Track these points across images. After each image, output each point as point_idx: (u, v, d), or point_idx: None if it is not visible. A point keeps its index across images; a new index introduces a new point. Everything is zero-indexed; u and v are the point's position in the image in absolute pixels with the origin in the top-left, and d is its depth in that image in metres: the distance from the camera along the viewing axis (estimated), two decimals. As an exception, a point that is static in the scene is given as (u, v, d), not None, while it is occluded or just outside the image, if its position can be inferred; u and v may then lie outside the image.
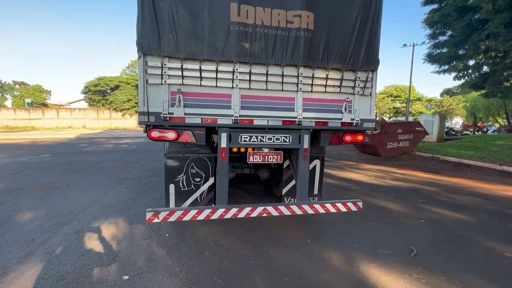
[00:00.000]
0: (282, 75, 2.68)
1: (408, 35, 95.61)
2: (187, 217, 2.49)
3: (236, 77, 2.59)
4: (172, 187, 3.17)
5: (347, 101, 2.89)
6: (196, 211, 2.52)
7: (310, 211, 2.75)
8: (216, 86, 2.58)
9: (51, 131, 23.08)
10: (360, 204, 2.87)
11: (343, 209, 2.83)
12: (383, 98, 42.77)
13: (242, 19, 2.49)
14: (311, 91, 2.79)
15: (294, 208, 2.72)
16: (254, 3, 2.50)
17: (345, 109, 2.89)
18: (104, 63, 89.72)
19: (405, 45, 26.88)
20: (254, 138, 2.77)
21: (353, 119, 2.93)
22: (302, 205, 2.74)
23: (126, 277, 2.35)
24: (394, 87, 44.32)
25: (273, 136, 2.81)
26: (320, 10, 2.66)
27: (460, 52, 12.28)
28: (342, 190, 5.22)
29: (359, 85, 2.88)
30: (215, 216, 2.55)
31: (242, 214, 2.60)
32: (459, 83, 15.77)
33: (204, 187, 3.27)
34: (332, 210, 2.80)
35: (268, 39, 2.57)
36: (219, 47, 2.50)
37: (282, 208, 2.69)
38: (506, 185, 5.72)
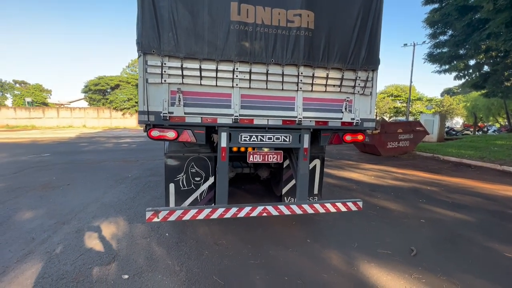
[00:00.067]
0: (282, 75, 2.67)
1: (408, 35, 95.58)
2: (187, 217, 2.49)
3: (236, 76, 2.59)
4: (172, 186, 3.17)
5: (348, 100, 2.89)
6: (196, 210, 2.52)
7: (310, 210, 2.75)
8: (216, 86, 2.58)
9: (52, 130, 23.09)
10: (360, 203, 2.87)
11: (343, 208, 2.82)
12: (384, 98, 42.75)
13: (242, 18, 2.48)
14: (311, 90, 2.78)
15: (294, 207, 2.72)
16: (254, 2, 2.49)
17: (346, 108, 2.89)
18: (104, 63, 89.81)
19: (405, 44, 26.82)
20: (254, 138, 2.76)
21: (354, 119, 2.92)
22: (302, 205, 2.74)
23: (126, 276, 2.35)
24: (395, 86, 44.28)
25: (273, 136, 2.80)
26: (321, 9, 2.65)
27: (461, 51, 12.27)
28: (342, 189, 5.22)
29: (359, 84, 2.88)
30: (215, 215, 2.55)
31: (242, 214, 2.60)
32: (459, 83, 15.78)
33: (204, 187, 3.27)
34: (332, 209, 2.80)
35: (268, 38, 2.57)
36: (219, 46, 2.49)
37: (282, 207, 2.69)
38: (507, 185, 5.71)
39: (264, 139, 2.79)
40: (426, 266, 2.59)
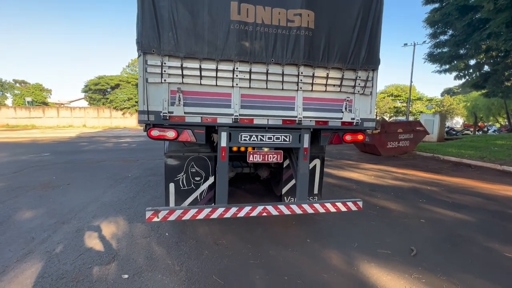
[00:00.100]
0: (283, 74, 2.67)
1: (408, 35, 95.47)
2: (186, 216, 2.48)
3: (236, 76, 2.58)
4: (172, 186, 3.17)
5: (348, 100, 2.88)
6: (195, 210, 2.52)
7: (310, 210, 2.75)
8: (216, 85, 2.58)
9: (52, 130, 23.09)
10: (360, 203, 2.87)
11: (343, 208, 2.82)
12: (384, 98, 42.73)
13: (242, 18, 2.48)
14: (312, 90, 2.78)
15: (294, 207, 2.72)
16: (254, 1, 2.49)
17: (346, 108, 2.88)
18: (104, 62, 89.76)
19: (406, 44, 26.79)
20: (254, 137, 2.76)
21: (354, 119, 2.92)
22: (302, 205, 2.74)
23: (126, 276, 2.35)
24: (395, 86, 44.27)
25: (273, 135, 2.80)
26: (321, 8, 2.65)
27: (461, 51, 12.27)
28: (342, 189, 5.22)
29: (359, 84, 2.88)
30: (214, 215, 2.54)
31: (242, 214, 2.60)
32: (459, 83, 15.78)
33: (204, 186, 3.27)
34: (332, 209, 2.79)
35: (269, 38, 2.57)
36: (219, 46, 2.49)
37: (282, 207, 2.69)
38: (507, 185, 5.71)
39: (264, 139, 2.79)
40: (426, 266, 2.59)
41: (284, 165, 3.60)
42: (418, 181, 5.98)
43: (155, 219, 2.41)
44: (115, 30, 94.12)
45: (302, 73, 2.70)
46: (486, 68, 13.39)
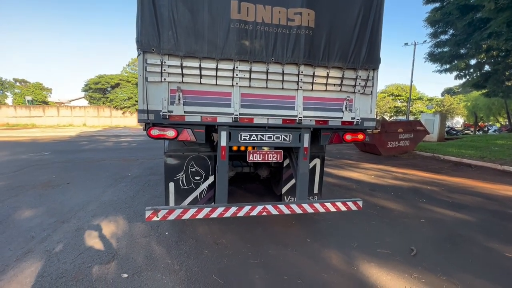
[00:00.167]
0: (283, 74, 2.66)
1: (409, 34, 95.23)
2: (186, 216, 2.48)
3: (236, 75, 2.58)
4: (171, 185, 3.16)
5: (348, 99, 2.88)
6: (195, 209, 2.51)
7: (310, 210, 2.74)
8: (216, 84, 2.57)
9: (52, 129, 23.09)
10: (360, 203, 2.86)
11: (343, 208, 2.82)
12: (384, 97, 42.66)
13: (242, 17, 2.47)
14: (312, 89, 2.77)
15: (294, 207, 2.71)
16: (254, 0, 2.48)
17: (346, 108, 2.88)
18: (104, 61, 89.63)
19: (406, 44, 26.77)
20: (254, 137, 2.76)
21: (354, 118, 2.91)
22: (302, 204, 2.73)
23: (125, 275, 2.35)
24: (395, 86, 44.18)
25: (273, 135, 2.79)
26: (321, 7, 2.64)
27: (462, 51, 12.23)
28: (342, 189, 5.21)
29: (360, 83, 2.87)
30: (214, 214, 2.54)
31: (241, 213, 2.59)
32: (460, 82, 15.75)
33: (204, 186, 3.26)
34: (332, 209, 2.79)
35: (269, 37, 2.56)
36: (219, 45, 2.48)
37: (282, 207, 2.68)
38: (507, 184, 5.70)
39: (264, 138, 2.78)
40: (426, 266, 2.58)
41: (284, 165, 3.60)
42: (418, 180, 5.97)
43: (155, 219, 2.40)
44: (116, 29, 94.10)
45: (302, 72, 2.69)
46: (486, 67, 13.36)
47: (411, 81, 27.64)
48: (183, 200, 3.23)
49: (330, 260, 2.67)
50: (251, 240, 3.01)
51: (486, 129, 24.15)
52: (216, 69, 2.53)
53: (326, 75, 2.76)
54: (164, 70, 2.44)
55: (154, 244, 2.90)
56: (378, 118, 12.35)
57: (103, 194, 4.58)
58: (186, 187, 3.20)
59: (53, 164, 7.16)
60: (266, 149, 2.96)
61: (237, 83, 2.60)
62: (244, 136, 2.74)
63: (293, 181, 3.63)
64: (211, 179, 3.26)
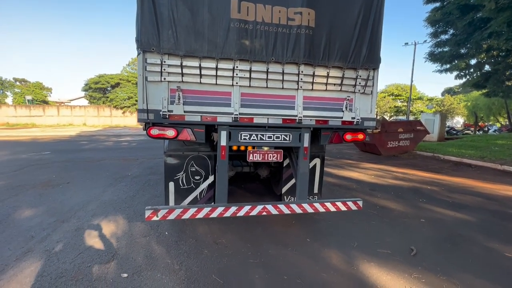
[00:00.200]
0: (283, 73, 2.66)
1: (409, 34, 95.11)
2: (186, 215, 2.48)
3: (236, 74, 2.57)
4: (171, 185, 3.16)
5: (348, 99, 2.87)
6: (195, 209, 2.51)
7: (310, 210, 2.74)
8: (216, 84, 2.56)
9: (52, 128, 23.09)
10: (360, 203, 2.86)
11: (343, 208, 2.81)
12: (384, 97, 42.65)
13: (242, 16, 2.47)
14: (312, 89, 2.77)
15: (294, 206, 2.71)
16: (254, 0, 2.47)
17: (346, 107, 2.87)
18: (105, 61, 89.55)
19: (406, 43, 26.76)
20: (254, 136, 2.75)
21: (354, 118, 2.91)
22: (302, 204, 2.73)
23: (125, 275, 2.35)
24: (395, 86, 44.16)
25: (273, 135, 2.79)
26: (321, 7, 2.63)
27: (462, 51, 12.21)
28: (342, 189, 5.21)
29: (360, 83, 2.86)
30: (214, 214, 2.54)
31: (241, 213, 2.59)
32: (460, 82, 15.71)
33: (204, 185, 3.26)
34: (332, 209, 2.79)
35: (269, 37, 2.55)
36: (219, 44, 2.47)
37: (282, 206, 2.68)
38: (507, 184, 5.70)
39: (264, 138, 2.78)
40: (426, 266, 2.58)
41: (284, 164, 3.59)
42: (418, 180, 5.97)
43: (155, 218, 2.40)
44: (116, 29, 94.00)
45: (302, 72, 2.69)
46: (487, 67, 13.34)
47: (411, 81, 27.64)
48: (183, 199, 3.22)
49: (330, 260, 2.67)
50: (251, 240, 3.01)
51: (486, 129, 24.14)
52: (216, 69, 2.53)
53: (326, 74, 2.76)
54: (164, 69, 2.44)
55: (154, 244, 2.90)
56: (378, 118, 12.34)
57: (103, 194, 4.58)
58: (186, 186, 3.20)
59: (53, 163, 7.16)
60: (266, 148, 2.96)
61: (237, 83, 2.59)
62: (244, 135, 2.73)
63: (293, 181, 3.62)
64: (211, 178, 3.26)
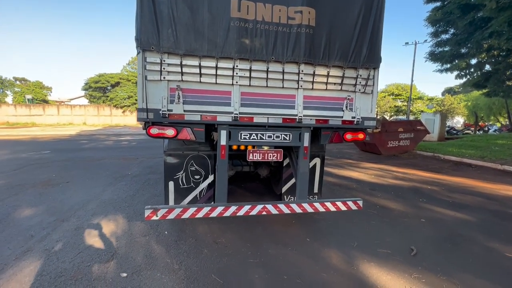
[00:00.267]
0: (283, 72, 2.65)
1: (410, 34, 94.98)
2: (186, 215, 2.47)
3: (236, 73, 2.56)
4: (171, 184, 3.15)
5: (348, 99, 2.86)
6: (195, 209, 2.50)
7: (310, 209, 2.74)
8: (216, 83, 2.56)
9: (52, 128, 23.08)
10: (360, 203, 2.85)
11: (343, 208, 2.81)
12: (384, 97, 42.63)
13: (242, 15, 2.45)
14: (312, 88, 2.76)
15: (294, 206, 2.70)
16: None
17: (346, 107, 2.86)
18: (104, 60, 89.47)
19: (407, 43, 26.76)
20: (254, 136, 2.75)
21: (354, 117, 2.90)
22: (302, 204, 2.73)
23: (125, 274, 2.35)
24: (395, 85, 44.14)
25: (273, 134, 2.78)
26: (322, 6, 2.62)
27: (463, 50, 12.19)
28: (342, 188, 5.20)
29: (360, 82, 2.85)
30: (214, 214, 2.53)
31: (241, 212, 2.58)
32: (460, 82, 15.68)
33: (204, 185, 3.26)
34: (332, 208, 2.78)
35: (269, 36, 2.54)
36: (219, 43, 2.46)
37: (282, 206, 2.67)
38: (508, 184, 5.69)
39: (264, 137, 2.77)
40: (426, 265, 2.58)
41: (284, 164, 3.59)
42: (418, 180, 5.96)
43: (154, 218, 2.40)
44: (116, 29, 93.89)
45: (302, 71, 2.68)
46: (487, 67, 13.32)
47: (412, 81, 27.60)
48: (183, 199, 3.22)
49: (330, 259, 2.66)
50: (251, 240, 3.01)
51: (486, 128, 24.14)
52: (216, 68, 2.52)
53: (326, 74, 2.75)
54: (164, 68, 2.43)
55: (153, 243, 2.89)
56: (378, 117, 12.33)
57: (103, 193, 4.58)
58: (185, 186, 3.20)
59: (53, 162, 7.15)
60: (266, 148, 2.95)
61: (237, 82, 2.58)
62: (244, 135, 2.73)
63: (293, 181, 3.62)
64: (210, 178, 3.25)
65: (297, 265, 2.56)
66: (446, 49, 12.76)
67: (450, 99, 42.63)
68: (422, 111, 33.36)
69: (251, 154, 2.88)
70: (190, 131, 2.66)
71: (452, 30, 12.34)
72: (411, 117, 33.86)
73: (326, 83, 2.78)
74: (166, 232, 3.13)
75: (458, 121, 45.07)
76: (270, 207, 2.64)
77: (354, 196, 4.51)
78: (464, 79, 14.15)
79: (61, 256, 2.61)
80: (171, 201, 3.18)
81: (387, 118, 32.57)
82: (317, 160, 3.62)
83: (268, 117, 2.70)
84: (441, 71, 13.84)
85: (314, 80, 2.74)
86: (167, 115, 2.47)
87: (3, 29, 66.44)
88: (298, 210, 2.71)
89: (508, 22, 8.81)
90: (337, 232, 3.26)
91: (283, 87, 2.69)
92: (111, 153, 9.03)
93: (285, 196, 3.71)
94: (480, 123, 26.72)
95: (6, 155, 8.27)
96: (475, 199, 4.67)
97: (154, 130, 2.56)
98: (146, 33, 2.33)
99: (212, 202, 3.24)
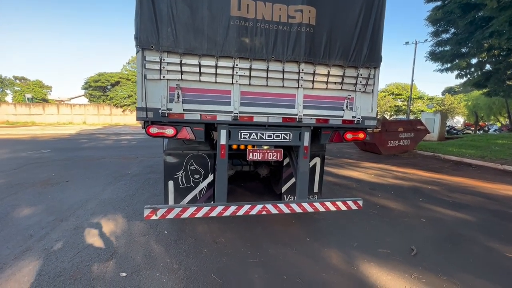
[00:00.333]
0: (283, 71, 2.64)
1: (409, 34, 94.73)
2: (185, 215, 2.47)
3: (236, 72, 2.55)
4: (171, 183, 3.14)
5: (349, 98, 2.85)
6: (194, 208, 2.50)
7: (310, 209, 2.73)
8: (216, 82, 2.54)
9: (52, 127, 23.06)
10: (360, 202, 2.84)
11: (343, 207, 2.80)
12: (385, 96, 42.58)
13: (242, 14, 2.44)
14: (312, 87, 2.75)
15: (294, 206, 2.69)
16: None
17: (347, 106, 2.85)
18: (104, 59, 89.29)
19: (407, 42, 26.76)
20: (253, 135, 2.74)
21: (355, 117, 2.89)
22: (302, 203, 2.72)
23: (124, 274, 2.34)
24: (396, 85, 44.07)
25: (273, 133, 2.77)
26: (322, 5, 2.61)
27: (463, 50, 12.16)
28: (342, 188, 5.20)
29: (361, 82, 2.84)
30: (213, 213, 2.52)
31: (241, 212, 2.57)
32: (461, 82, 15.65)
33: (203, 184, 3.25)
34: (332, 208, 2.77)
35: (269, 34, 2.53)
36: (219, 42, 2.45)
37: (282, 206, 2.66)
38: (508, 184, 5.68)
39: (264, 137, 2.76)
40: (427, 265, 2.57)
41: (284, 164, 3.58)
42: (418, 180, 5.96)
43: (154, 217, 2.39)
44: (116, 29, 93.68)
45: (302, 70, 2.67)
46: (488, 67, 13.29)
47: (412, 80, 27.57)
48: (183, 198, 3.21)
49: (330, 259, 2.66)
50: (251, 239, 3.00)
51: (486, 128, 24.12)
52: (216, 67, 2.50)
53: (327, 73, 2.74)
54: (163, 67, 2.42)
55: (153, 243, 2.88)
56: (378, 117, 12.31)
57: (103, 192, 4.57)
58: (185, 185, 3.19)
59: (52, 162, 7.14)
60: (266, 147, 2.94)
61: (237, 81, 2.57)
62: (244, 134, 2.72)
63: (293, 180, 3.61)
64: (210, 177, 3.24)
65: (297, 265, 2.55)
66: (447, 48, 12.73)
67: (450, 99, 42.58)
68: (422, 111, 33.35)
69: (251, 154, 2.87)
70: (190, 130, 2.65)
71: (452, 30, 12.30)
72: (411, 117, 33.85)
73: (327, 82, 2.76)
74: (165, 232, 3.13)
75: (458, 121, 45.03)
76: (270, 206, 2.63)
77: (354, 196, 4.50)
78: (465, 79, 14.13)
79: (60, 255, 2.61)
80: (171, 201, 3.17)
81: (387, 117, 32.55)
82: (317, 160, 3.61)
83: (268, 117, 2.69)
84: (441, 70, 13.81)
85: (315, 79, 2.72)
86: (166, 114, 2.46)
87: (3, 29, 66.22)
88: (298, 209, 2.70)
89: (509, 22, 8.78)
90: (337, 232, 3.25)
91: (283, 86, 2.67)
92: (111, 152, 9.02)
93: (285, 196, 3.70)
94: (480, 123, 26.69)
95: (6, 154, 8.26)
96: (475, 199, 4.66)
97: (153, 129, 2.55)
98: (145, 32, 2.32)
99: (212, 202, 3.24)
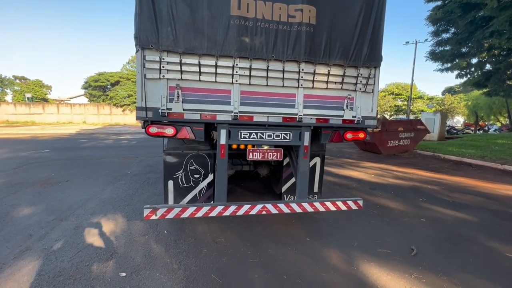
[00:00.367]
0: (283, 71, 2.63)
1: (409, 34, 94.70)
2: (185, 214, 2.46)
3: (236, 72, 2.54)
4: (171, 183, 3.14)
5: (349, 98, 2.84)
6: (194, 208, 2.49)
7: (310, 209, 2.72)
8: (216, 82, 2.54)
9: (52, 126, 23.05)
10: (360, 202, 2.84)
11: (343, 207, 2.79)
12: (385, 96, 42.57)
13: (242, 13, 2.43)
14: (312, 87, 2.74)
15: (294, 206, 2.69)
16: None
17: (347, 106, 2.85)
18: (104, 59, 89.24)
19: (407, 42, 26.88)
20: (253, 135, 2.73)
21: (355, 117, 2.88)
22: (302, 203, 2.71)
23: (124, 274, 2.34)
24: (396, 85, 44.06)
25: (273, 133, 2.77)
26: (323, 4, 2.60)
27: (463, 50, 12.16)
28: (342, 188, 5.19)
29: (361, 81, 2.83)
30: (213, 213, 2.52)
31: (241, 212, 2.57)
32: (461, 81, 15.64)
33: (203, 184, 3.24)
34: (332, 208, 2.77)
35: (269, 34, 2.52)
36: (219, 42, 2.44)
37: (282, 206, 2.66)
38: (508, 184, 5.68)
39: (264, 137, 2.75)
40: (427, 265, 2.57)
41: (284, 163, 3.57)
42: (418, 180, 5.95)
43: (153, 217, 2.39)
44: (116, 29, 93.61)
45: (303, 69, 2.66)
46: (488, 66, 13.29)
47: (412, 80, 27.55)
48: (182, 198, 3.21)
49: (330, 259, 2.65)
50: (251, 239, 3.00)
51: (486, 128, 24.12)
52: (216, 66, 2.50)
53: (327, 72, 2.73)
54: (163, 67, 2.41)
55: (152, 243, 2.88)
56: (378, 117, 12.30)
57: (102, 192, 4.56)
58: (185, 185, 3.18)
59: (52, 161, 7.14)
60: (266, 147, 2.94)
61: (236, 81, 2.56)
62: (243, 134, 2.71)
63: (293, 180, 3.61)
64: (210, 177, 3.24)
65: (297, 264, 2.55)
66: (447, 48, 12.72)
67: (450, 99, 42.56)
68: (422, 111, 33.36)
69: (251, 153, 2.86)
70: (190, 130, 2.65)
71: (452, 29, 12.30)
72: (411, 117, 33.85)
73: (327, 82, 2.76)
74: (165, 232, 3.12)
75: (458, 121, 45.04)
76: (270, 206, 2.63)
77: (354, 196, 4.49)
78: (465, 79, 14.12)
79: (60, 255, 2.60)
80: (171, 201, 3.17)
81: (387, 117, 32.55)
82: (317, 160, 3.61)
83: (268, 116, 2.69)
84: (441, 70, 13.81)
85: (315, 79, 2.72)
86: (166, 114, 2.46)
87: (3, 29, 66.20)
88: (298, 209, 2.70)
89: (509, 21, 8.78)
90: (337, 232, 3.25)
91: (283, 86, 2.67)
92: (111, 152, 9.02)
93: (285, 196, 3.70)
94: (480, 123, 26.68)
95: (5, 154, 8.26)
96: (475, 198, 4.66)
97: (153, 129, 2.54)
98: (145, 31, 2.31)
99: (212, 202, 3.23)
